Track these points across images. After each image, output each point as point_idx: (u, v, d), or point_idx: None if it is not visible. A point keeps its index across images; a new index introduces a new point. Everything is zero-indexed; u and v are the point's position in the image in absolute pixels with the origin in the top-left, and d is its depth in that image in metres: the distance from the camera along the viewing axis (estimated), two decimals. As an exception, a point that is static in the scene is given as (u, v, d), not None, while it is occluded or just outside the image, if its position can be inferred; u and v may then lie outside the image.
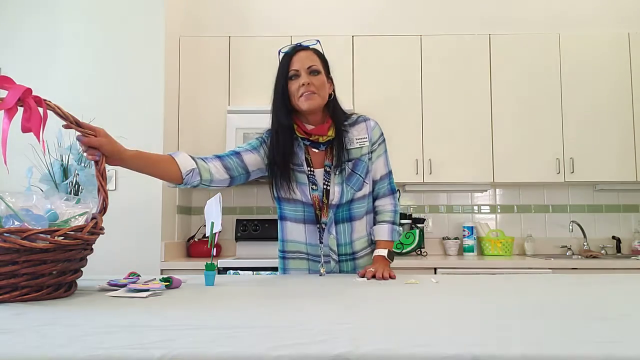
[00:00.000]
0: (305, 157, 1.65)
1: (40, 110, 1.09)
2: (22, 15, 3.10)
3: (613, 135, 3.26)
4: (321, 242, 1.66)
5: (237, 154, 1.64)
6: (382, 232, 1.71)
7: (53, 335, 0.73)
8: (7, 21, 3.10)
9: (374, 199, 1.75)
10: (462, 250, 3.45)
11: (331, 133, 1.64)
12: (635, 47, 3.30)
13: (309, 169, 1.65)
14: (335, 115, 1.67)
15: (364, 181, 1.68)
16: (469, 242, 3.41)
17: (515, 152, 3.26)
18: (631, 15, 3.62)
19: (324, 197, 1.64)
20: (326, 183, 1.65)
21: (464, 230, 3.44)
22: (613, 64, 3.30)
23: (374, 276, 1.51)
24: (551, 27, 3.58)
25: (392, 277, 1.52)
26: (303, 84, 1.57)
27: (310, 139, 1.64)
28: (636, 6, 3.64)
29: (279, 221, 1.74)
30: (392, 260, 1.69)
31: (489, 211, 3.63)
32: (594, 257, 3.17)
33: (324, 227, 1.65)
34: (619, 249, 3.49)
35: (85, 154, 1.25)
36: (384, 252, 1.66)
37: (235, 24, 3.64)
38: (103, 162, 1.24)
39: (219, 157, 1.61)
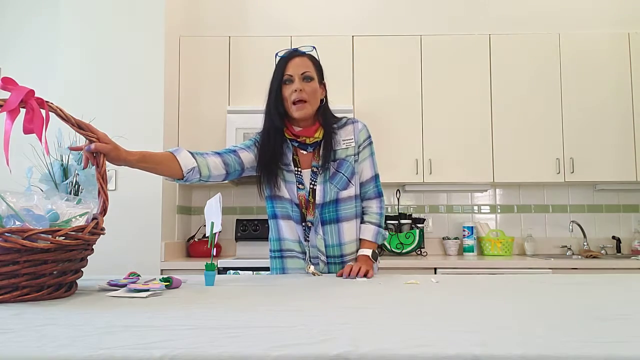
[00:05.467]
0: (293, 158, 1.70)
1: (43, 112, 1.09)
2: (22, 16, 3.10)
3: (613, 135, 3.26)
4: (307, 241, 1.69)
5: (234, 151, 1.68)
6: (368, 233, 1.74)
7: (53, 335, 0.73)
8: (7, 22, 3.10)
9: (361, 200, 1.77)
10: (462, 250, 3.45)
11: (318, 135, 1.69)
12: (635, 47, 3.30)
13: (296, 169, 1.69)
14: (325, 119, 1.72)
15: (349, 181, 1.71)
16: (469, 242, 3.41)
17: (515, 152, 3.26)
18: (631, 15, 3.62)
19: (310, 197, 1.68)
20: (313, 183, 1.69)
21: (464, 230, 3.44)
22: (613, 64, 3.30)
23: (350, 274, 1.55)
24: (551, 27, 3.58)
25: (368, 276, 1.55)
26: (295, 90, 1.62)
27: (298, 140, 1.69)
28: (636, 6, 3.64)
29: (270, 220, 1.77)
30: (376, 261, 1.73)
31: (489, 211, 3.63)
32: (594, 257, 3.17)
33: (309, 225, 1.69)
34: (619, 249, 3.49)
35: (83, 157, 1.26)
36: (368, 251, 1.70)
37: (235, 24, 3.64)
38: (104, 164, 1.24)
39: (218, 153, 1.65)
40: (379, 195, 1.78)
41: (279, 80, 1.65)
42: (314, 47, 1.71)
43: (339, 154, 1.71)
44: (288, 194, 1.69)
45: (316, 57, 1.71)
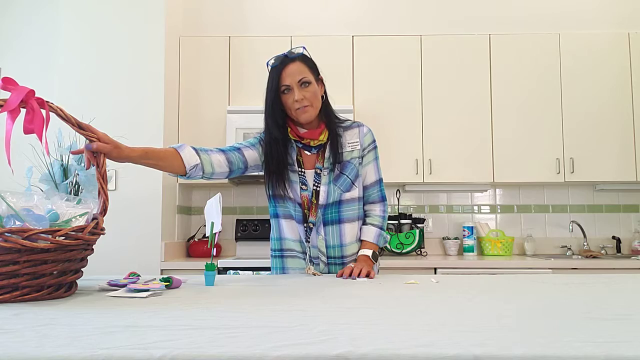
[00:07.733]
0: (297, 159, 1.70)
1: (43, 112, 1.09)
2: (22, 16, 3.10)
3: (613, 135, 3.26)
4: (307, 241, 1.69)
5: (238, 149, 1.68)
6: (370, 234, 1.74)
7: (53, 335, 0.73)
8: (7, 22, 3.10)
9: (364, 204, 1.78)
10: (462, 250, 3.45)
11: (323, 137, 1.69)
12: (635, 47, 3.30)
13: (300, 169, 1.69)
14: (328, 117, 1.71)
15: (353, 183, 1.71)
16: (469, 242, 3.41)
17: (515, 152, 3.26)
18: (631, 15, 3.62)
19: (313, 198, 1.68)
20: (316, 184, 1.69)
21: (464, 230, 3.44)
22: (613, 64, 3.30)
23: (351, 274, 1.55)
24: (551, 27, 3.58)
25: (370, 276, 1.55)
26: (297, 100, 1.60)
27: (303, 142, 1.68)
28: (636, 6, 3.64)
29: (272, 219, 1.78)
30: (376, 262, 1.73)
31: (489, 211, 3.63)
32: (594, 257, 3.17)
33: (311, 226, 1.69)
34: (619, 249, 3.49)
35: (85, 158, 1.25)
36: (368, 252, 1.70)
37: (235, 24, 3.64)
38: (104, 164, 1.24)
39: (222, 151, 1.64)
40: (383, 199, 1.78)
41: (276, 91, 1.62)
42: (303, 47, 1.67)
43: (344, 156, 1.71)
44: (291, 194, 1.69)
45: (307, 55, 1.67)
